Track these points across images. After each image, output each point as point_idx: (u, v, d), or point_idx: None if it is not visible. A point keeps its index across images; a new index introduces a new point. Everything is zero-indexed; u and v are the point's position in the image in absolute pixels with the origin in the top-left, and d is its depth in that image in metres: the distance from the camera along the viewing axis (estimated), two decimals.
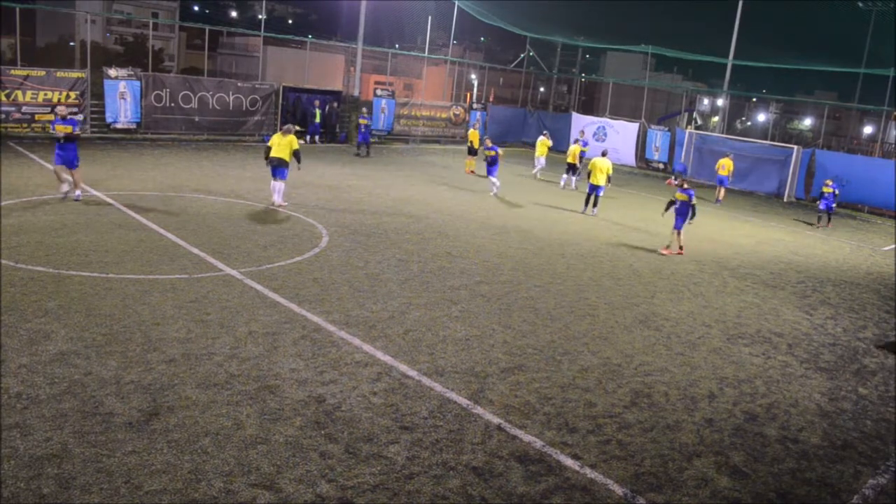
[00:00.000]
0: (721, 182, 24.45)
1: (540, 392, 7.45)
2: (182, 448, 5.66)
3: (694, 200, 14.57)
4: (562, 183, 23.42)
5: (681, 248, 14.96)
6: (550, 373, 7.99)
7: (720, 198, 24.37)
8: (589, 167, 18.95)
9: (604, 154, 19.18)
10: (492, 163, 20.20)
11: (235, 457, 5.63)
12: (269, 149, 15.02)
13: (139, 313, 8.38)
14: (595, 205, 18.83)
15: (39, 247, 10.61)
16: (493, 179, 20.29)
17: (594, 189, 18.65)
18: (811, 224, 21.97)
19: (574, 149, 23.51)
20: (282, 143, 14.89)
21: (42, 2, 46.61)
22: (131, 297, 8.91)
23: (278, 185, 15.18)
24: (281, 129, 15.50)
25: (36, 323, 7.81)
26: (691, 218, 14.67)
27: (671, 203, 14.88)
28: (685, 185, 14.80)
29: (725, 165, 24.49)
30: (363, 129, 26.38)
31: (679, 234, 14.85)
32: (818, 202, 22.31)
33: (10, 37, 30.06)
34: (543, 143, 25.71)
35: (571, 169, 23.26)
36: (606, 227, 17.25)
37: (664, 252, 14.84)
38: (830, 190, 21.71)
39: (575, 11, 34.38)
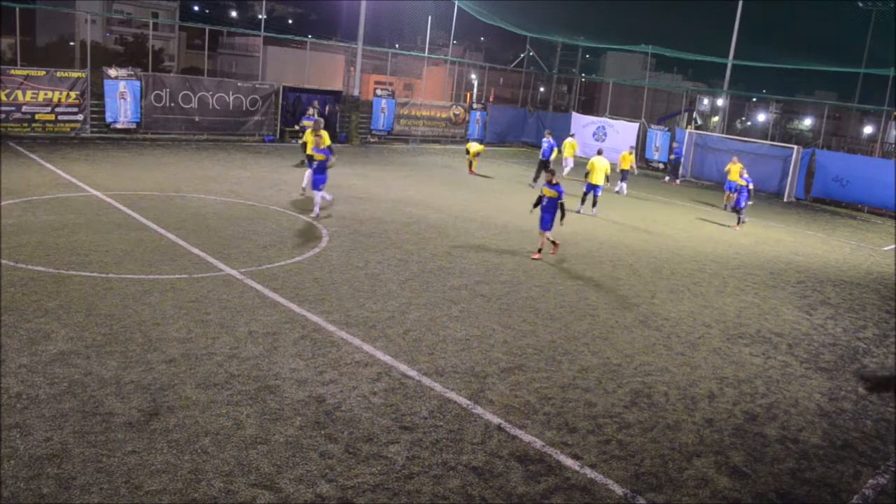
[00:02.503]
0: (731, 188, 22.63)
1: (540, 392, 7.45)
2: (182, 448, 5.66)
3: (563, 198, 13.01)
4: (616, 189, 23.34)
5: (554, 244, 13.53)
6: (550, 373, 7.99)
7: (732, 204, 22.43)
8: (587, 167, 18.97)
9: (599, 153, 19.24)
10: (320, 170, 14.70)
11: (235, 457, 5.63)
12: (304, 144, 16.75)
13: (139, 313, 8.39)
14: (594, 204, 18.84)
15: (39, 247, 10.61)
16: (322, 194, 14.90)
17: (592, 188, 18.66)
18: (728, 226, 19.60)
19: (626, 155, 23.48)
20: (316, 142, 15.84)
21: (42, 2, 46.61)
22: (131, 297, 8.91)
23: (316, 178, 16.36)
24: (311, 129, 16.87)
25: (36, 323, 7.81)
26: (561, 218, 13.09)
27: (540, 199, 13.29)
28: (554, 181, 13.10)
29: (732, 170, 22.78)
30: None
31: (547, 234, 13.32)
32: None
33: (10, 37, 30.05)
34: (572, 144, 26.33)
35: (622, 176, 23.32)
36: (606, 227, 17.26)
37: (535, 257, 13.25)
38: (744, 183, 19.32)
39: (575, 11, 34.37)
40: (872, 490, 6.34)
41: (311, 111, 24.16)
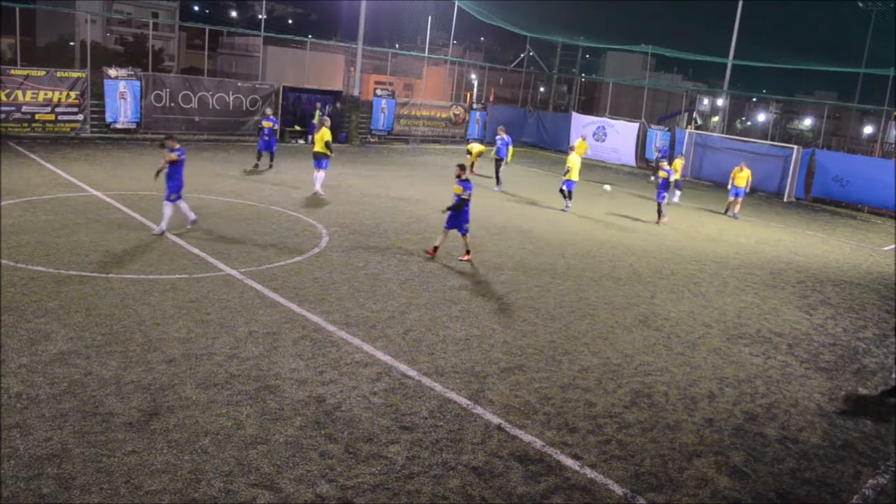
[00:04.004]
0: (737, 194, 21.20)
1: (540, 392, 7.45)
2: (182, 448, 5.66)
3: (466, 195, 12.00)
4: (675, 199, 22.62)
5: (467, 251, 12.47)
6: (550, 373, 7.99)
7: (736, 211, 21.35)
8: (568, 164, 18.93)
9: (571, 149, 20.03)
10: (171, 176, 12.02)
11: (235, 457, 5.63)
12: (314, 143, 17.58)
13: (139, 313, 8.38)
14: (570, 199, 18.93)
15: (39, 247, 10.61)
16: (168, 211, 12.05)
17: (569, 184, 18.81)
18: (647, 221, 18.73)
19: (677, 163, 22.31)
20: (316, 138, 17.37)
21: (42, 2, 46.61)
22: (131, 297, 8.91)
23: (320, 175, 17.08)
24: (316, 127, 18.23)
25: (36, 323, 7.81)
26: (447, 209, 12.16)
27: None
28: (462, 177, 12.01)
29: (739, 175, 21.12)
30: (266, 135, 20.64)
31: (461, 235, 12.38)
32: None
33: (10, 37, 30.04)
34: (582, 145, 26.53)
35: (676, 185, 22.14)
36: (606, 228, 17.26)
37: (428, 253, 12.38)
38: (665, 175, 18.22)
39: (575, 11, 34.40)
40: (872, 490, 6.34)
41: (268, 111, 22.07)
